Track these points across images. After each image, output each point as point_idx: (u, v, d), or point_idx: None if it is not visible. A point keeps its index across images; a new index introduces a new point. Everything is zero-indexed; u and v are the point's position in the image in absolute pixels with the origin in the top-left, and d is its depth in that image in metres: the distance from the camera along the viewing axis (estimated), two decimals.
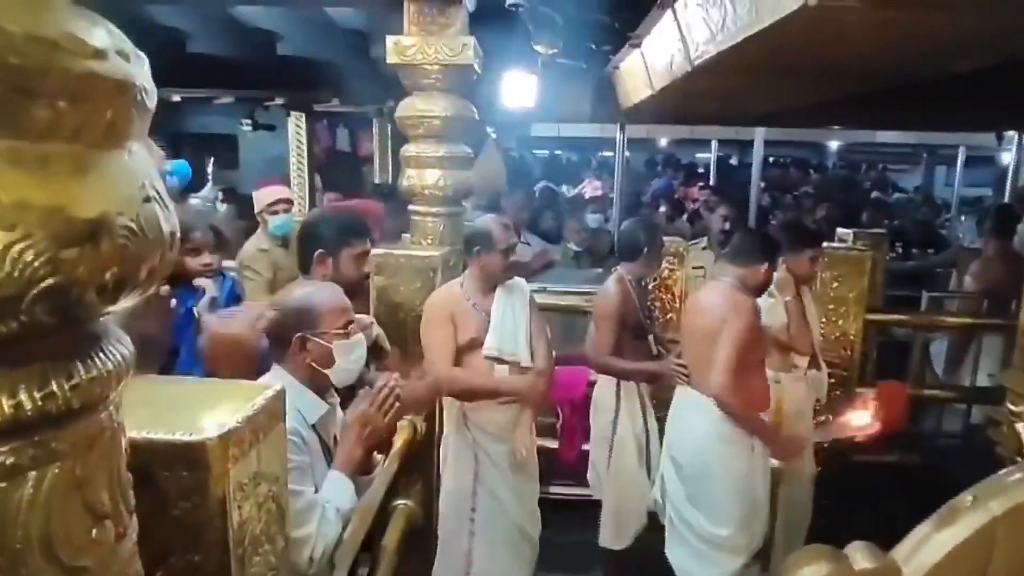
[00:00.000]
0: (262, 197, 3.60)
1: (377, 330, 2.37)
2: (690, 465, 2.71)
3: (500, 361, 2.70)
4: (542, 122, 6.35)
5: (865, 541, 2.40)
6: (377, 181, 7.12)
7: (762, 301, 3.07)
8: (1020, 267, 3.41)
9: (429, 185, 3.24)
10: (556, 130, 9.27)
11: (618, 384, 3.10)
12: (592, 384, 3.43)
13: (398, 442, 2.26)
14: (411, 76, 3.17)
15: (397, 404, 1.83)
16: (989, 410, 3.46)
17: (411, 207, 3.33)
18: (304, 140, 6.04)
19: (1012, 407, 2.98)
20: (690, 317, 2.81)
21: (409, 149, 3.28)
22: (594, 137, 10.35)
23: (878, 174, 12.82)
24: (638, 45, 3.07)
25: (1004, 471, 2.40)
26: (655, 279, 3.43)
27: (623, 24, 2.93)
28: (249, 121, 7.41)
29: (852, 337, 3.55)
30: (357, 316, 1.89)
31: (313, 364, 1.72)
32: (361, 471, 1.84)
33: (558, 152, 15.08)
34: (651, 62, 3.07)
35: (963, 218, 7.78)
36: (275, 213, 3.53)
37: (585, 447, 3.44)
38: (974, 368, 3.86)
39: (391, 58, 3.12)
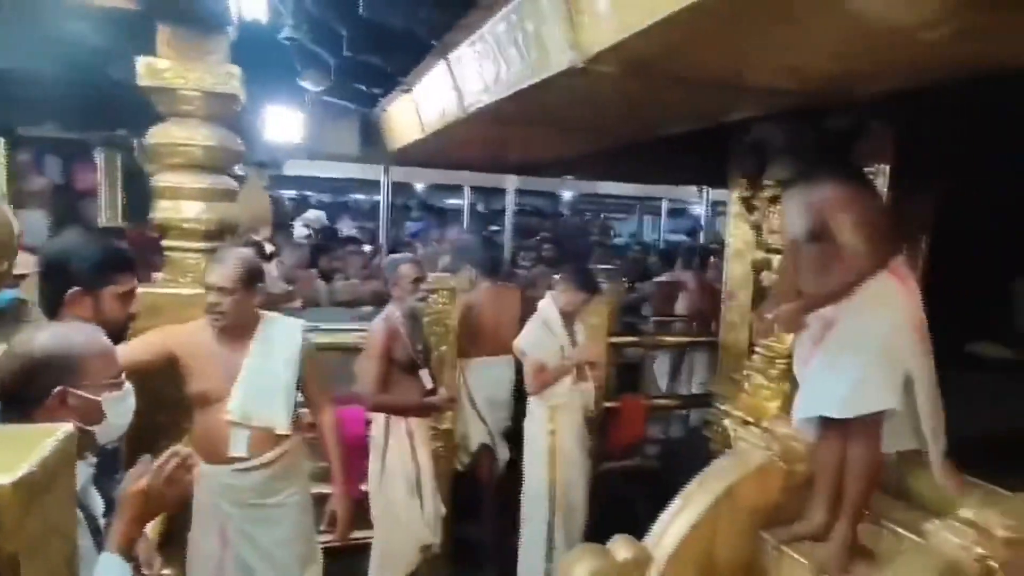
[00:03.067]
0: None
1: None
2: None
3: (242, 426, 2.34)
4: (313, 159, 6.20)
5: (624, 535, 2.73)
6: (104, 222, 6.06)
7: (533, 333, 3.41)
8: (716, 295, 4.19)
9: (189, 219, 3.03)
10: (311, 169, 9.06)
11: (387, 420, 3.12)
12: (369, 423, 3.41)
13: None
14: (167, 101, 2.97)
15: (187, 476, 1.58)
16: (703, 413, 4.19)
17: (166, 242, 3.07)
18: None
19: (720, 407, 3.68)
20: None
21: (164, 179, 3.03)
22: (348, 179, 10.34)
23: (601, 222, 14.69)
24: (409, 90, 3.23)
25: (719, 459, 2.93)
26: (430, 314, 3.55)
27: (396, 69, 3.06)
28: None
29: (599, 358, 4.04)
30: None
31: (76, 423, 1.47)
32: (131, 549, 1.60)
33: (308, 193, 14.69)
34: (423, 107, 3.25)
35: (654, 257, 9.12)
36: None
37: (365, 488, 3.39)
38: (688, 379, 4.66)
39: (143, 80, 2.89)
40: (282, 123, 4.00)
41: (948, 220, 2.88)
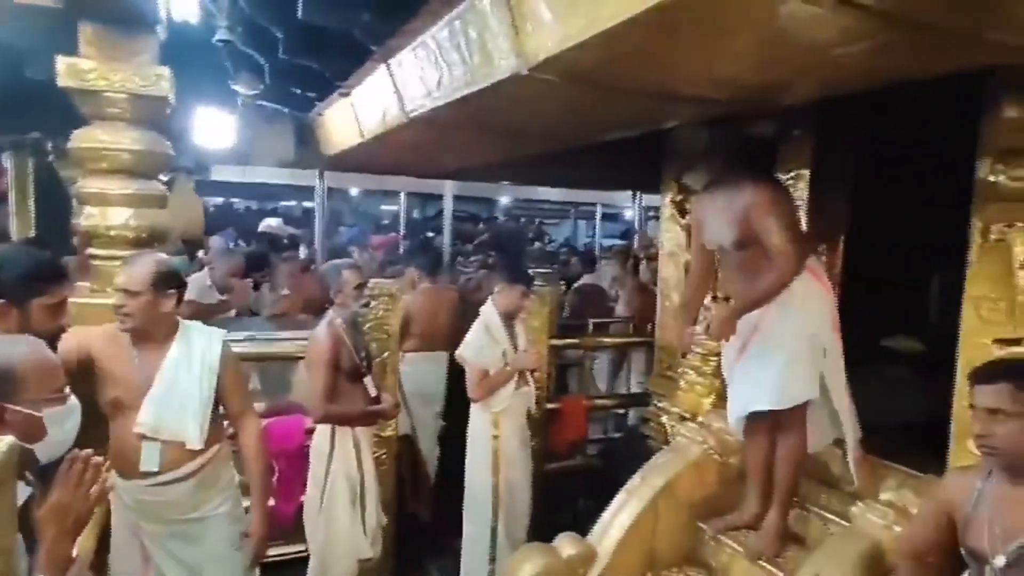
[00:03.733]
0: None
1: None
2: None
3: (153, 439, 2.21)
4: (245, 164, 6.01)
5: (569, 532, 2.80)
6: (13, 231, 5.59)
7: (475, 340, 3.44)
8: (652, 297, 4.32)
9: (116, 225, 2.91)
10: (241, 174, 8.79)
11: (332, 429, 3.07)
12: (309, 432, 3.34)
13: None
14: (91, 103, 2.85)
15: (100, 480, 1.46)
16: (641, 411, 4.32)
17: (91, 250, 2.94)
18: None
19: (657, 404, 3.81)
20: None
21: (89, 185, 2.91)
22: (278, 184, 10.10)
23: (536, 227, 14.87)
24: (347, 95, 3.20)
25: (658, 455, 3.03)
26: (370, 320, 3.52)
27: (334, 73, 3.03)
28: None
29: (541, 362, 4.10)
30: None
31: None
32: (65, 567, 1.51)
33: (234, 200, 14.24)
34: (361, 112, 3.23)
35: (574, 259, 9.23)
36: None
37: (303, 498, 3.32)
38: (627, 379, 4.78)
39: (64, 81, 2.77)
40: (213, 127, 3.88)
41: (863, 221, 3.08)
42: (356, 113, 3.30)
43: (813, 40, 1.36)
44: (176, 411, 2.23)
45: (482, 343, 3.43)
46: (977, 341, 2.19)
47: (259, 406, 3.07)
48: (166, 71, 2.89)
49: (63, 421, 1.45)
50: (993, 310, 2.19)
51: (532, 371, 3.59)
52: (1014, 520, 1.65)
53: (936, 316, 3.54)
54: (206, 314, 3.62)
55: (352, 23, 2.34)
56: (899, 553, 2.04)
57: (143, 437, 2.20)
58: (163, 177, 3.29)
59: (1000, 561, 1.65)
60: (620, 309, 5.12)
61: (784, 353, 2.40)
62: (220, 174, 8.11)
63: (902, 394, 3.00)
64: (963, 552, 1.77)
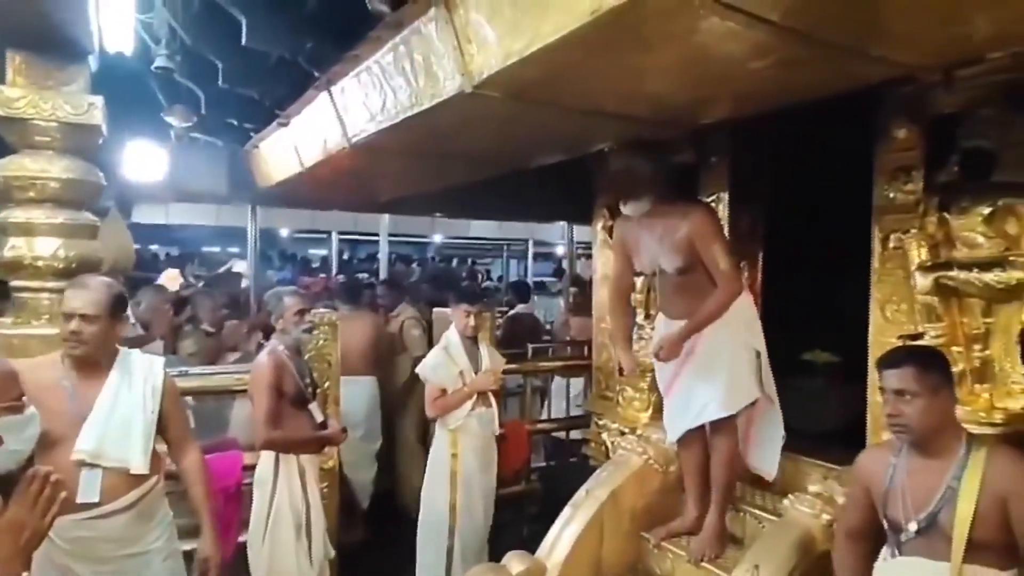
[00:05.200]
0: None
1: None
2: None
3: (93, 467, 2.10)
4: (177, 200, 5.85)
5: (518, 550, 2.83)
6: None
7: (432, 359, 3.53)
8: (589, 325, 4.45)
9: (44, 256, 2.83)
10: (164, 216, 8.52)
11: (276, 458, 3.02)
12: (248, 469, 3.25)
13: None
14: (19, 132, 2.79)
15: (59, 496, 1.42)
16: (582, 432, 4.41)
17: (16, 282, 2.83)
18: None
19: (598, 423, 3.91)
20: None
21: (14, 215, 2.82)
22: (207, 227, 9.85)
23: (468, 267, 15.00)
24: (286, 124, 3.24)
25: (601, 468, 3.12)
26: (311, 349, 3.50)
27: (273, 102, 3.06)
28: None
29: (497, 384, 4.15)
30: None
31: None
32: None
33: (153, 247, 13.63)
34: (301, 140, 3.26)
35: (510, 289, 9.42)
36: None
37: (243, 539, 3.19)
38: (567, 401, 4.89)
39: None
40: (144, 160, 3.80)
41: (778, 240, 3.34)
42: (295, 142, 3.33)
43: (730, 55, 1.53)
44: (119, 435, 2.15)
45: (438, 362, 3.53)
46: (884, 340, 2.41)
47: None
48: (99, 100, 2.87)
49: (20, 430, 1.41)
50: (896, 311, 2.43)
51: (496, 394, 3.63)
52: (924, 490, 1.82)
53: (849, 326, 3.81)
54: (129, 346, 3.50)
55: (295, 51, 2.41)
56: (837, 534, 2.18)
57: (82, 465, 2.08)
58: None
59: (912, 527, 1.81)
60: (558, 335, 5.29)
61: (729, 363, 2.58)
62: (140, 216, 7.82)
63: (822, 402, 3.21)
64: (884, 523, 1.92)
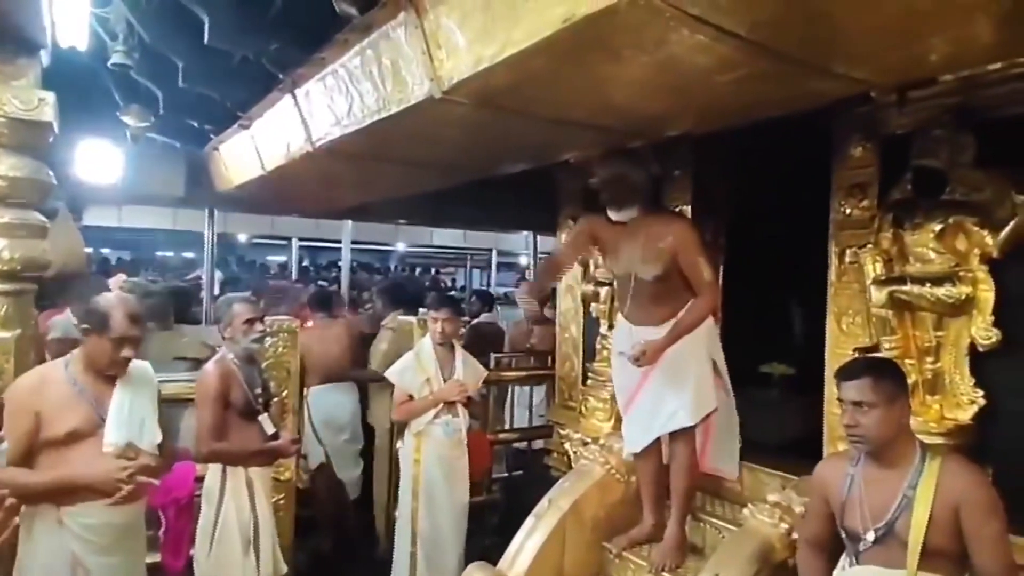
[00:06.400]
0: None
1: None
2: None
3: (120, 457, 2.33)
4: (131, 204, 5.66)
5: (479, 561, 2.81)
6: None
7: (400, 364, 3.55)
8: (553, 334, 4.46)
9: None
10: (116, 219, 8.25)
11: (224, 469, 2.93)
12: (200, 480, 3.15)
13: None
14: None
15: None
16: (544, 443, 4.40)
17: None
18: None
19: (560, 433, 3.90)
20: None
21: None
22: (161, 230, 9.58)
23: (431, 276, 14.94)
24: (248, 126, 3.17)
25: (563, 478, 3.12)
26: (269, 357, 3.41)
27: (235, 103, 2.99)
28: None
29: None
30: None
31: None
32: None
33: (104, 250, 13.21)
34: (263, 143, 3.20)
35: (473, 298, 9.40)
36: None
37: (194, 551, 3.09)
38: (529, 411, 4.87)
39: None
40: (98, 161, 3.66)
41: (737, 252, 3.40)
42: (257, 145, 3.26)
43: (698, 67, 1.56)
44: (136, 430, 2.36)
45: (406, 366, 3.54)
46: (840, 351, 2.47)
47: None
48: (50, 96, 2.77)
49: None
50: (852, 324, 2.49)
51: (466, 404, 3.58)
52: (881, 499, 1.85)
53: (806, 339, 3.90)
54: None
55: (259, 51, 2.37)
56: (799, 544, 2.21)
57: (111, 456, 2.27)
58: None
59: (871, 536, 1.84)
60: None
61: (696, 372, 2.63)
62: (92, 218, 7.56)
63: (779, 413, 3.27)
64: (841, 533, 1.95)
